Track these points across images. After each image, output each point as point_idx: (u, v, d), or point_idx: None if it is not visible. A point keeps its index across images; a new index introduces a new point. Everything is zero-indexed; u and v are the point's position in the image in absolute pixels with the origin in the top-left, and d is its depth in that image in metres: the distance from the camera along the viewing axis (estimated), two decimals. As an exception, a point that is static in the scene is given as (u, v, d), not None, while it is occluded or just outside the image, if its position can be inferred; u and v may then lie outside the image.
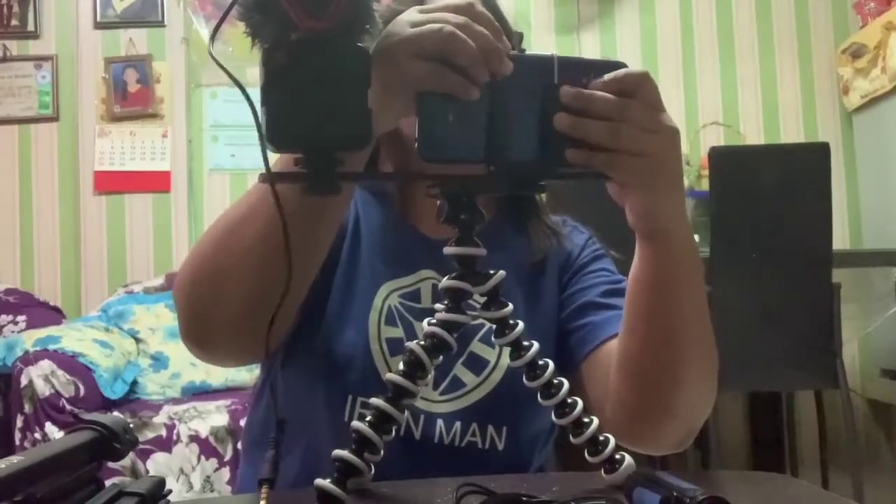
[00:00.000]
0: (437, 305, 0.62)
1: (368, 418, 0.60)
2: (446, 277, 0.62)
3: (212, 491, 2.29)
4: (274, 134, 0.52)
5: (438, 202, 0.61)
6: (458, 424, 0.82)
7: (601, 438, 0.64)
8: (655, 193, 0.66)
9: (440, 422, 0.82)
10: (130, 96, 3.41)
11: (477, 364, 0.86)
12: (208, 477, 2.31)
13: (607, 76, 0.61)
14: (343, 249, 0.87)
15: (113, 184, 3.38)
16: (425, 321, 0.63)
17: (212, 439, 2.33)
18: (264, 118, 0.52)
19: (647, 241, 0.71)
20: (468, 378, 0.85)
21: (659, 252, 0.70)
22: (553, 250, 0.94)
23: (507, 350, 0.85)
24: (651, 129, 0.62)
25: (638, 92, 0.62)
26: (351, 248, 0.88)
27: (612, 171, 0.63)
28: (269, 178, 0.54)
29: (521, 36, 0.58)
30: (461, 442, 0.83)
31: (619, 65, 0.61)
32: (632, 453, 0.66)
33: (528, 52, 0.59)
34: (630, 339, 0.75)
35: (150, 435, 2.34)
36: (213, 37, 0.55)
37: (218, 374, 2.75)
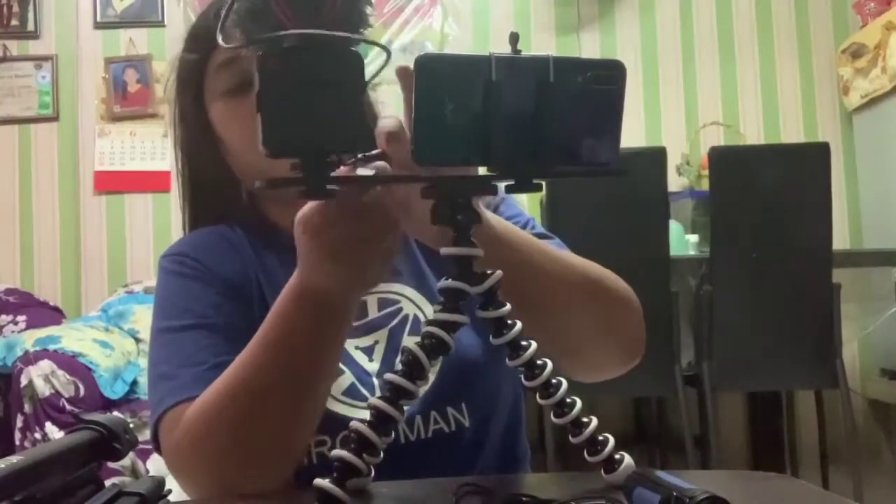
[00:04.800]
0: (435, 306, 0.63)
1: (368, 419, 0.60)
2: (444, 278, 0.62)
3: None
4: (270, 140, 0.52)
5: (432, 204, 0.61)
6: (418, 419, 0.82)
7: (600, 438, 0.64)
8: None
9: (400, 423, 0.82)
10: (130, 96, 3.41)
11: None
12: (208, 477, 2.30)
13: None
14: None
15: (113, 184, 3.38)
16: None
17: (212, 439, 2.33)
18: (260, 124, 0.52)
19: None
20: None
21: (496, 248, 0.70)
22: None
23: None
24: None
25: None
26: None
27: None
28: (267, 183, 0.54)
29: (516, 36, 0.58)
30: (427, 433, 0.82)
31: (615, 64, 0.61)
32: (631, 453, 0.65)
33: (524, 52, 0.59)
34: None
35: (150, 435, 2.34)
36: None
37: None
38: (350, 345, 0.85)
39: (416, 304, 0.88)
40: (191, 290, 0.86)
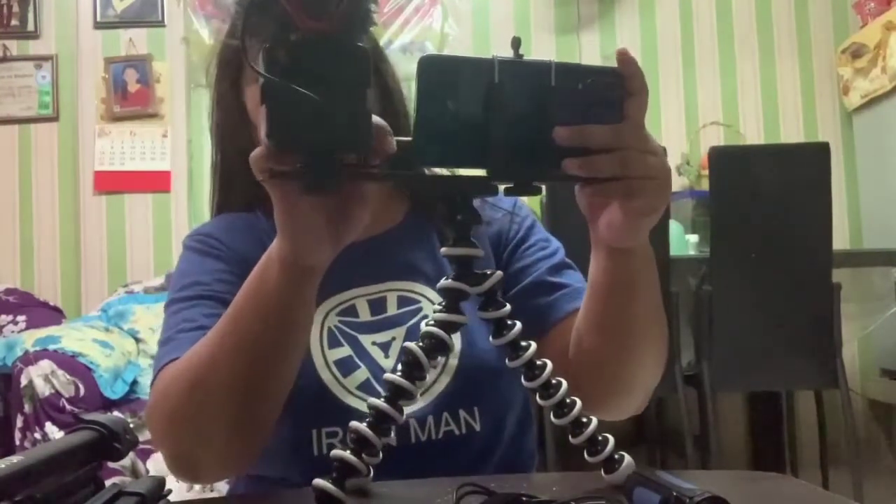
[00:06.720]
0: (435, 306, 0.63)
1: (367, 418, 0.60)
2: (444, 278, 0.62)
3: (211, 491, 2.29)
4: (274, 134, 0.53)
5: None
6: (430, 419, 0.82)
7: (600, 438, 0.64)
8: (653, 212, 0.66)
9: (412, 422, 0.82)
10: (130, 96, 3.41)
11: None
12: (208, 477, 2.30)
13: (622, 55, 0.61)
14: None
15: (113, 184, 3.38)
16: (422, 322, 0.63)
17: (212, 439, 2.33)
18: (265, 118, 0.52)
19: (615, 253, 0.71)
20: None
21: (626, 261, 0.71)
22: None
23: (455, 336, 0.85)
24: (648, 151, 0.64)
25: (637, 95, 0.63)
26: None
27: (632, 197, 0.64)
28: (269, 176, 0.54)
29: (519, 41, 0.58)
30: (438, 434, 0.83)
31: (616, 71, 0.62)
32: (631, 453, 0.66)
33: (526, 56, 0.59)
34: (590, 335, 0.78)
35: (150, 435, 2.34)
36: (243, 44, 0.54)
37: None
38: (367, 340, 0.86)
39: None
40: (206, 265, 0.88)
